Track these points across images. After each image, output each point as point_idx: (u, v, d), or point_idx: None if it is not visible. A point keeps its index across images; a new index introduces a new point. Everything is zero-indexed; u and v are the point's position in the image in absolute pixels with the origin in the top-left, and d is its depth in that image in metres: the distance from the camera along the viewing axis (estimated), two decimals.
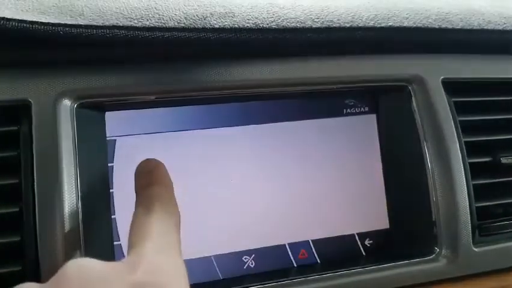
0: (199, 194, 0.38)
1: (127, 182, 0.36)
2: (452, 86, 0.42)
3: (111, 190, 0.37)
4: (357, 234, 0.42)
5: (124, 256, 0.36)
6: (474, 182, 0.40)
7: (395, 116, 0.42)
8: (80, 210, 0.33)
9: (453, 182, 0.39)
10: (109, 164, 0.37)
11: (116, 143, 0.37)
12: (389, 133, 0.43)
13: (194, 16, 0.35)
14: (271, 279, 0.37)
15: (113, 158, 0.37)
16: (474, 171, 0.41)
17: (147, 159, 0.32)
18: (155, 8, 0.35)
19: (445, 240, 0.39)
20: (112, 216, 0.36)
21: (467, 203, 0.39)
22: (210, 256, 0.38)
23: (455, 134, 0.40)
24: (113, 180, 0.37)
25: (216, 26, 0.35)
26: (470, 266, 0.40)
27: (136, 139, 0.37)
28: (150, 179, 0.30)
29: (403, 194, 0.42)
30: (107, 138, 0.37)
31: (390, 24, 0.40)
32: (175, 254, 0.25)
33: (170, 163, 0.34)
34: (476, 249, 0.40)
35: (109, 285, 0.21)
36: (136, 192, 0.30)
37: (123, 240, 0.37)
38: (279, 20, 0.37)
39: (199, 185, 0.38)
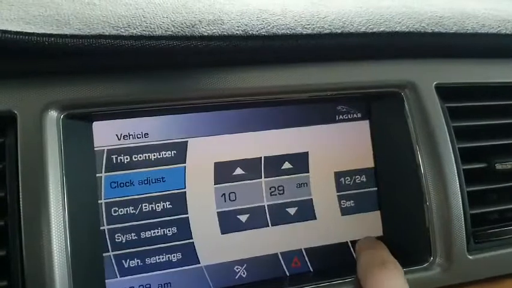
0: (189, 203, 0.38)
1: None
2: (445, 91, 0.41)
3: (99, 201, 0.36)
4: (351, 242, 0.41)
5: (112, 266, 0.36)
6: (468, 189, 0.40)
7: (388, 122, 0.42)
8: (67, 222, 0.32)
9: (447, 188, 0.39)
10: (97, 175, 0.36)
11: (105, 153, 0.37)
12: (382, 139, 0.42)
13: (182, 24, 0.34)
14: None
15: (102, 168, 0.36)
16: (468, 177, 0.40)
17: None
18: (143, 15, 0.34)
19: (439, 248, 0.39)
20: (101, 228, 0.36)
21: (462, 210, 0.39)
22: (201, 266, 0.38)
23: (449, 140, 0.40)
24: (102, 191, 0.36)
25: (205, 34, 0.35)
26: (464, 274, 0.39)
27: (124, 149, 0.37)
28: (371, 244, 0.38)
29: (397, 201, 0.42)
30: (95, 149, 0.36)
31: (382, 29, 0.39)
32: None
33: None
34: (470, 257, 0.39)
35: None
36: (357, 254, 0.39)
37: (112, 251, 0.36)
38: (269, 27, 0.36)
39: (190, 194, 0.38)
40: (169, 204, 0.37)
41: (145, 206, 0.37)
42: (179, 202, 0.38)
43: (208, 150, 0.39)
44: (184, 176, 0.38)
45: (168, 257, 0.37)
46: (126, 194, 0.37)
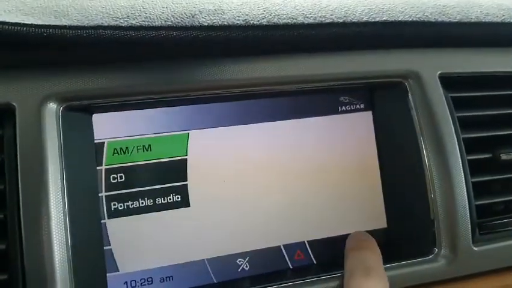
0: (192, 196, 0.38)
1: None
2: (449, 81, 0.41)
3: (100, 194, 0.36)
4: None
5: (114, 260, 0.36)
6: (473, 180, 0.39)
7: (392, 113, 0.41)
8: (67, 215, 0.32)
9: (451, 179, 0.38)
10: (98, 168, 0.36)
11: (105, 146, 0.36)
12: (386, 130, 0.42)
13: (182, 14, 0.34)
14: (267, 281, 0.36)
15: (102, 161, 0.36)
16: (473, 168, 0.40)
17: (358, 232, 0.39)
18: (142, 6, 0.34)
19: (444, 239, 0.38)
20: (102, 221, 0.36)
21: (467, 201, 0.39)
22: (203, 259, 0.38)
23: (453, 131, 0.39)
24: (103, 184, 0.36)
25: (205, 24, 0.34)
26: (470, 266, 0.39)
27: (125, 141, 0.37)
28: (361, 243, 0.35)
29: (401, 192, 0.41)
30: (95, 141, 0.36)
31: (384, 18, 0.39)
32: None
33: None
34: (476, 248, 0.39)
35: None
36: (346, 254, 0.36)
37: (113, 244, 0.36)
38: (270, 17, 0.36)
39: (192, 187, 0.38)
40: (170, 199, 0.37)
41: (147, 200, 0.37)
42: (182, 195, 0.37)
43: (210, 142, 0.38)
44: (185, 169, 0.37)
45: (170, 249, 0.37)
46: (127, 187, 0.36)
